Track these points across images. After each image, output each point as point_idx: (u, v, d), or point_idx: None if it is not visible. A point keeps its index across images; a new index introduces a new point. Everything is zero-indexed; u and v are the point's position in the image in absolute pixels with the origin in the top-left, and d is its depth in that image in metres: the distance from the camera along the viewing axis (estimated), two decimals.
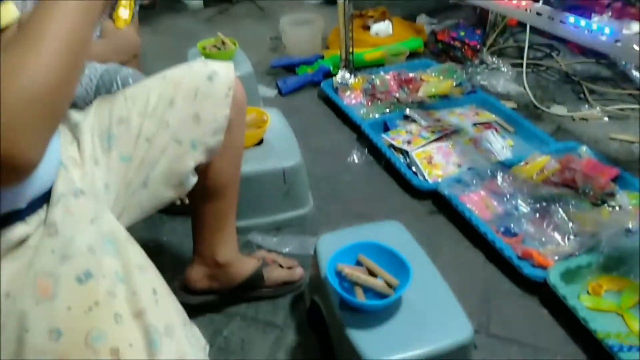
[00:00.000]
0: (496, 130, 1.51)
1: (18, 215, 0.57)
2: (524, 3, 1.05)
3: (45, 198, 0.60)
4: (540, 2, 1.03)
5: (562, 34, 1.05)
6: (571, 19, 0.96)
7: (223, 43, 1.65)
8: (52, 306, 0.55)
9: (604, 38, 0.98)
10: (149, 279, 0.64)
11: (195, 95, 0.76)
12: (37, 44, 0.47)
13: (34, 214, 0.59)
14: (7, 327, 0.54)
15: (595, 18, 1.01)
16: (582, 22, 0.93)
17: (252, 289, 1.03)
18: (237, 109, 0.82)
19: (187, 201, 1.15)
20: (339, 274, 0.82)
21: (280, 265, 1.06)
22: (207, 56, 1.60)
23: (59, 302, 0.55)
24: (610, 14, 0.95)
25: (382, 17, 2.20)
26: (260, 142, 1.25)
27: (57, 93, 0.47)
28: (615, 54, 1.02)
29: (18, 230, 0.57)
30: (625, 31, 0.96)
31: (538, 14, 1.04)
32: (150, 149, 0.73)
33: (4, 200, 0.55)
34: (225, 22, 2.55)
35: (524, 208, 1.18)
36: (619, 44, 0.97)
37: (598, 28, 0.95)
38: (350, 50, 1.84)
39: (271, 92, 1.86)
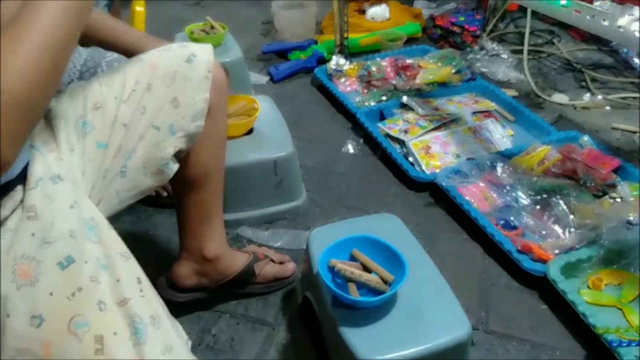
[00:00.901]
0: (496, 119, 1.47)
1: None
2: None
3: (17, 181, 0.59)
4: None
5: (563, 18, 1.00)
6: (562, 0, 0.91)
7: (212, 27, 1.59)
8: (33, 291, 0.54)
9: (605, 23, 0.94)
10: (133, 267, 0.63)
11: (174, 79, 0.73)
12: (17, 45, 0.47)
13: (6, 197, 0.57)
14: None
15: (597, 2, 0.97)
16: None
17: (242, 285, 0.99)
18: (217, 92, 0.79)
19: None
20: (332, 270, 0.79)
21: (272, 260, 1.02)
22: (195, 40, 1.54)
23: (41, 287, 0.54)
24: None
25: (378, 1, 2.13)
26: (251, 131, 1.21)
27: (36, 95, 0.47)
28: (616, 40, 0.99)
29: None
30: (627, 16, 0.92)
31: None
32: (127, 135, 0.70)
33: None
34: (215, 6, 2.47)
35: (524, 200, 1.15)
36: (621, 29, 0.92)
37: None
38: (345, 35, 1.78)
39: (262, 79, 1.80)
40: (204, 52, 0.77)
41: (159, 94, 0.71)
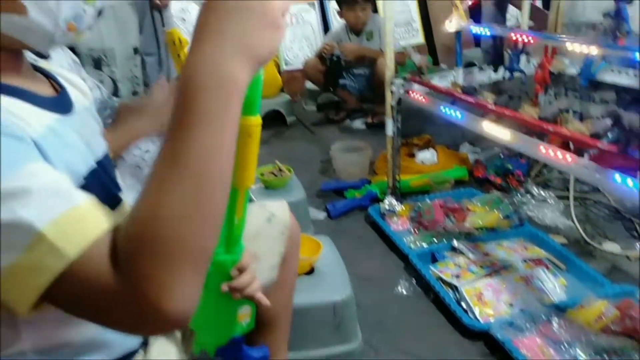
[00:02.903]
0: (547, 267, 1.50)
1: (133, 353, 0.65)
2: (569, 158, 1.11)
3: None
4: (586, 158, 1.09)
5: (608, 189, 1.09)
6: (617, 176, 1.00)
7: (280, 170, 1.80)
8: None
9: None
10: None
11: (256, 238, 0.85)
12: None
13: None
14: None
15: None
16: (630, 182, 0.98)
17: None
18: (291, 245, 0.90)
19: None
20: None
21: None
22: (265, 182, 1.74)
23: None
24: None
25: (426, 146, 2.33)
26: (312, 270, 1.30)
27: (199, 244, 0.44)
28: None
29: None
30: None
31: (585, 167, 1.10)
32: None
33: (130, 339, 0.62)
34: (280, 144, 2.78)
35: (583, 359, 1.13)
36: None
37: None
38: (397, 178, 1.94)
39: (321, 215, 1.95)
40: (281, 211, 0.91)
41: None
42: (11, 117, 0.48)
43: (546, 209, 1.85)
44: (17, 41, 0.53)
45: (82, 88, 0.69)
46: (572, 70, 1.73)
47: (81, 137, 0.60)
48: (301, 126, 3.06)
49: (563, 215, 1.83)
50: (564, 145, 1.32)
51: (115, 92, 1.81)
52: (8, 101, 0.50)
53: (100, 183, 0.62)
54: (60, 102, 0.60)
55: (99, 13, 0.58)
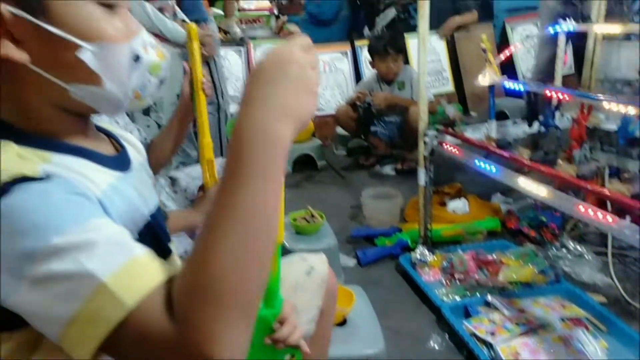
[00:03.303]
0: (587, 328, 1.44)
1: None
2: (609, 219, 1.10)
3: None
4: (628, 219, 1.08)
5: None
6: None
7: (312, 216, 1.83)
8: None
9: None
10: None
11: (295, 290, 0.87)
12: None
13: None
14: None
15: None
16: None
17: None
18: (328, 299, 0.92)
19: None
20: None
21: None
22: (297, 228, 1.77)
23: None
24: None
25: (457, 195, 2.33)
26: (344, 321, 1.30)
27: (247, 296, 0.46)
28: None
29: None
30: None
31: (626, 229, 1.08)
32: None
33: None
34: (311, 187, 2.83)
35: None
36: None
37: None
38: (429, 227, 1.94)
39: (351, 262, 1.95)
40: (320, 264, 0.94)
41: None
42: (79, 177, 0.54)
43: (583, 264, 1.80)
44: (88, 107, 0.59)
45: (137, 146, 0.76)
46: (608, 125, 1.73)
47: (138, 193, 0.65)
48: (331, 170, 3.11)
49: (601, 272, 1.78)
50: (601, 202, 1.31)
51: None
52: (78, 162, 0.57)
53: (154, 235, 0.66)
54: (120, 161, 0.66)
55: (161, 82, 0.64)
